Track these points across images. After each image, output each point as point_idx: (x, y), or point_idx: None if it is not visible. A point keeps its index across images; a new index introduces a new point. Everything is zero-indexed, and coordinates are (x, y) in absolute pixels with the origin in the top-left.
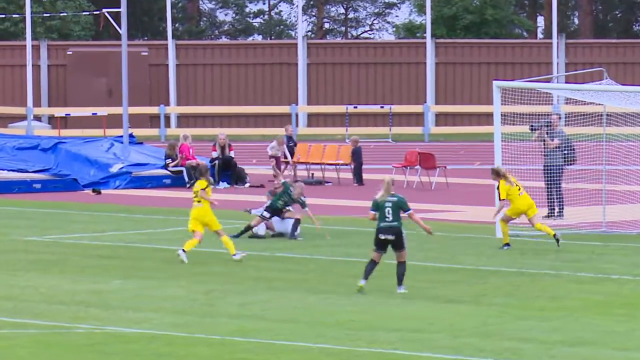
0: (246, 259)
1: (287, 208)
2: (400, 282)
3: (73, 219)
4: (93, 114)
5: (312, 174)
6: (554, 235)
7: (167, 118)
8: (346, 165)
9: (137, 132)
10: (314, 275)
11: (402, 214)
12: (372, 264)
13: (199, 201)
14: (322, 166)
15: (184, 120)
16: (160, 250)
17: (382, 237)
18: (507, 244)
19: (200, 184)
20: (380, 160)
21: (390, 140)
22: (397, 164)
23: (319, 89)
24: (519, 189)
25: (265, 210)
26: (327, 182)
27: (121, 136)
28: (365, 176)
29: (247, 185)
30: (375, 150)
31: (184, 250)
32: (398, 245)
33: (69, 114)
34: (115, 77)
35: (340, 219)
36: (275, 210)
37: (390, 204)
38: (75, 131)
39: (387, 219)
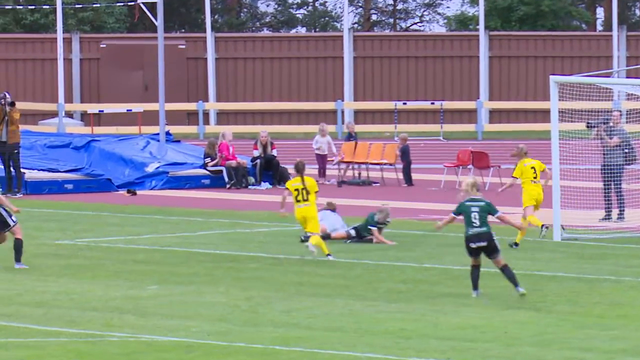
0: (289, 263)
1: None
2: (515, 283)
3: (106, 221)
4: (128, 110)
5: (359, 173)
6: (516, 243)
7: (206, 115)
8: (390, 165)
9: (174, 129)
10: (360, 281)
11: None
12: (476, 269)
13: (305, 200)
14: (367, 166)
15: (224, 117)
16: (198, 254)
17: (474, 245)
18: (544, 225)
19: (311, 183)
20: (431, 159)
21: (441, 138)
22: (449, 164)
23: (366, 84)
24: (535, 176)
25: (353, 228)
26: (375, 183)
27: (157, 134)
28: (415, 176)
29: None
30: (425, 149)
31: (329, 254)
32: (492, 250)
33: (103, 111)
34: (151, 71)
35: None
36: (360, 232)
37: (477, 209)
38: (109, 128)
39: (474, 225)
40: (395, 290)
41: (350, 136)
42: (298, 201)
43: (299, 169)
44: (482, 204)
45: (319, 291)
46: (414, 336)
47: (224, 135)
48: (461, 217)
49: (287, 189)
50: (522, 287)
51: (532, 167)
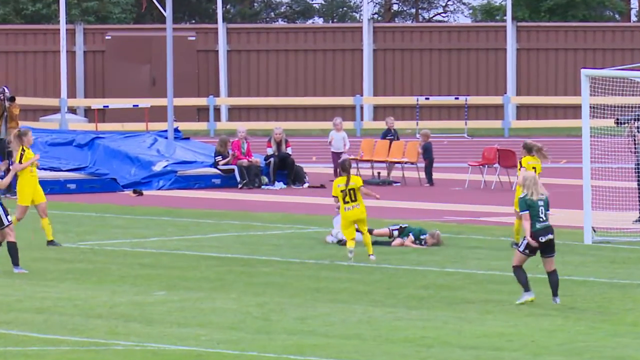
0: (304, 267)
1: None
2: (555, 293)
3: (111, 223)
4: (134, 106)
5: (379, 173)
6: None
7: (217, 110)
8: (412, 164)
9: (183, 126)
10: (380, 287)
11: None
12: (521, 269)
13: (353, 201)
14: (388, 164)
15: (236, 113)
16: (208, 258)
17: (544, 239)
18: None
19: (356, 181)
20: (454, 157)
21: (465, 136)
22: (474, 162)
23: (386, 78)
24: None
25: (396, 227)
26: (395, 183)
27: (165, 131)
28: (438, 175)
29: (306, 185)
30: (449, 147)
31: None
32: (553, 246)
33: (107, 106)
34: (159, 64)
35: (412, 223)
36: (401, 234)
37: (542, 203)
38: (114, 125)
39: (541, 219)
40: (416, 296)
41: (389, 133)
42: (346, 202)
43: (345, 168)
44: (544, 197)
45: (336, 297)
46: (436, 344)
47: (238, 132)
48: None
49: (334, 195)
50: (559, 299)
51: (534, 168)
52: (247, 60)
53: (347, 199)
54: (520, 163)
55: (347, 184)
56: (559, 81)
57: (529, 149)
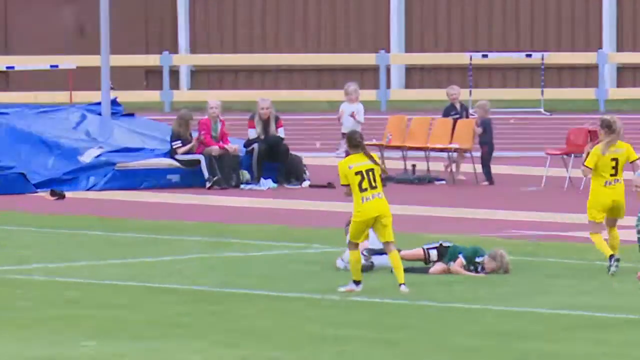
0: (303, 305)
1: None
2: None
3: (19, 239)
4: (52, 66)
5: (413, 165)
6: (610, 257)
7: (175, 73)
8: (466, 152)
9: (125, 96)
10: (412, 333)
11: None
12: None
13: (374, 187)
14: (428, 153)
15: (203, 78)
16: (161, 291)
17: None
18: (611, 256)
19: (376, 165)
20: (525, 143)
21: (542, 111)
22: (554, 150)
23: (423, 28)
24: (614, 172)
25: (434, 247)
26: (439, 180)
27: (98, 103)
28: (500, 169)
29: (305, 184)
30: (517, 127)
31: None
32: None
33: (13, 67)
34: (88, 6)
35: (460, 241)
36: (443, 257)
37: None
38: (23, 95)
39: None
40: (469, 347)
41: (453, 109)
42: (364, 190)
43: (358, 143)
44: None
45: (349, 349)
46: None
47: (212, 106)
48: None
49: (346, 184)
50: None
51: (614, 160)
52: (219, 1)
53: (365, 184)
54: (591, 153)
55: (369, 157)
56: None
57: (608, 126)
